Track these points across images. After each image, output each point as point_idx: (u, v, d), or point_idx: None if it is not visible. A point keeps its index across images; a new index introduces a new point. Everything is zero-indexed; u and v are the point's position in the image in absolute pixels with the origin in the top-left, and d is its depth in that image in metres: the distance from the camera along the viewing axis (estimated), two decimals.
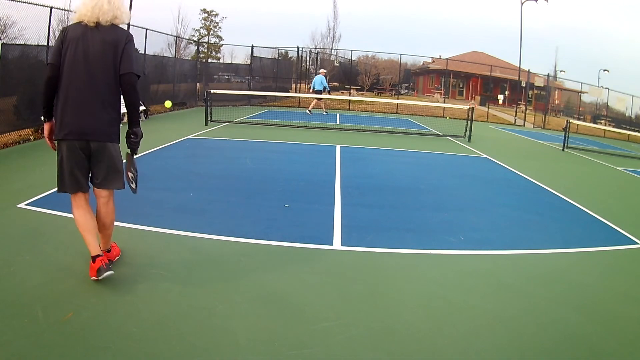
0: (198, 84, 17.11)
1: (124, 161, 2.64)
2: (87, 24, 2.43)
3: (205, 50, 27.33)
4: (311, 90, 15.94)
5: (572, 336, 2.40)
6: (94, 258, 2.52)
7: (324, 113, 15.71)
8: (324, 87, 15.59)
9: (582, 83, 22.10)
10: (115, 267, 2.81)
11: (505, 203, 5.25)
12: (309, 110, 15.53)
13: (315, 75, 15.68)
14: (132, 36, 2.53)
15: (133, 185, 2.74)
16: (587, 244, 3.98)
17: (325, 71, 16.86)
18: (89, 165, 2.53)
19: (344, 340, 2.20)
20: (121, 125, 2.58)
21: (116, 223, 3.51)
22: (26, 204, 3.90)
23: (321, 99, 15.50)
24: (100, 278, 2.48)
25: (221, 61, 27.36)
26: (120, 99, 2.50)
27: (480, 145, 10.16)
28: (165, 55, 15.06)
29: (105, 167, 2.53)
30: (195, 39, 28.75)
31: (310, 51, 25.88)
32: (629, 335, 2.46)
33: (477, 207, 4.94)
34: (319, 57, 26.66)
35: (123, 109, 2.58)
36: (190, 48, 23.35)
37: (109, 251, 2.79)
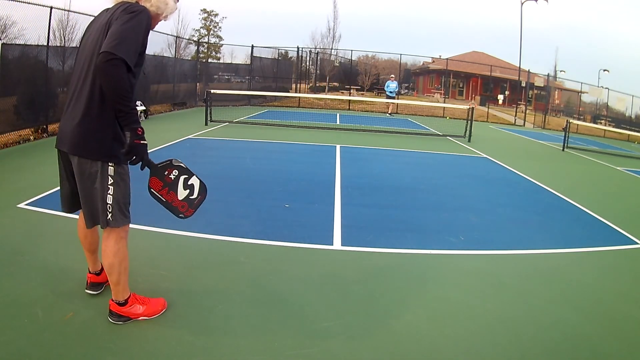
0: (198, 84, 17.12)
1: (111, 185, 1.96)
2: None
3: (205, 50, 27.33)
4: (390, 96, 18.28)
5: (572, 336, 2.40)
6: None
7: (388, 115, 17.57)
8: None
9: (582, 83, 22.13)
10: None
11: (505, 203, 5.25)
12: (390, 114, 17.99)
13: (388, 81, 18.63)
14: (135, 7, 1.87)
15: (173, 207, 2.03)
16: (587, 244, 3.98)
17: (394, 76, 19.32)
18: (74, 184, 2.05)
19: (344, 340, 2.20)
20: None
21: None
22: (26, 204, 3.90)
23: (394, 103, 17.87)
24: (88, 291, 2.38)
25: (221, 61, 27.38)
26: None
27: (480, 145, 10.16)
28: (165, 55, 15.06)
29: (81, 192, 2.01)
30: (195, 39, 28.75)
31: (310, 51, 25.90)
32: (629, 335, 2.46)
33: (477, 207, 4.93)
34: (319, 57, 26.67)
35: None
36: (190, 48, 23.34)
37: (120, 304, 2.17)
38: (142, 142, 1.85)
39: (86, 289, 2.40)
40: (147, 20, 1.89)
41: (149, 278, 2.69)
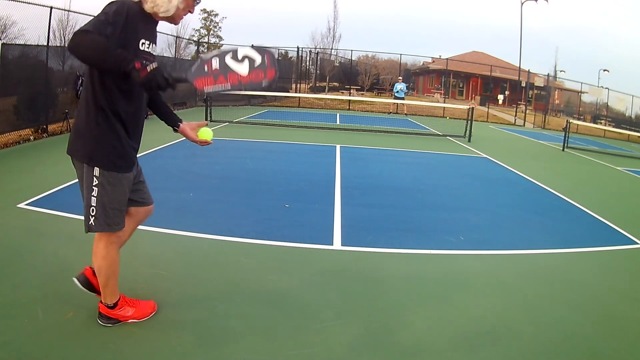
0: None
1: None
2: None
3: (205, 51, 27.31)
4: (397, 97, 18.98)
5: (572, 336, 2.40)
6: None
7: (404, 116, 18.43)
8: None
9: (582, 83, 22.16)
10: None
11: (505, 203, 5.25)
12: (406, 113, 18.68)
13: (396, 83, 19.51)
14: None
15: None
16: (587, 244, 3.98)
17: (401, 78, 20.30)
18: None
19: (344, 340, 2.20)
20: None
21: None
22: (26, 204, 3.90)
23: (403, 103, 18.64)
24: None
25: None
26: (105, 106, 1.85)
27: (480, 145, 10.16)
28: (165, 55, 15.07)
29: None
30: (195, 39, 28.77)
31: (310, 51, 25.88)
32: (629, 335, 2.46)
33: (477, 207, 4.93)
34: (319, 57, 26.65)
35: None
36: (190, 48, 23.40)
37: (109, 307, 2.15)
38: (148, 71, 1.64)
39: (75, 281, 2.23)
40: (120, 7, 1.76)
41: (149, 278, 2.69)
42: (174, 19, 1.98)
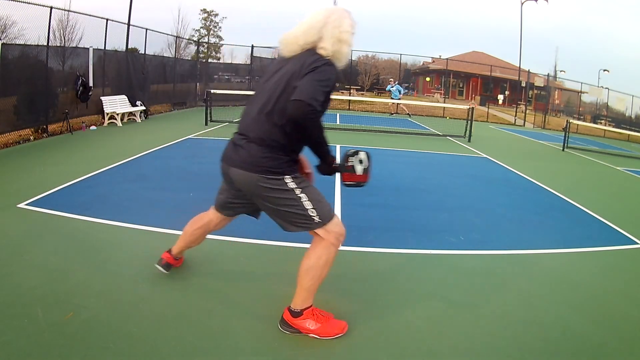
0: (198, 84, 17.13)
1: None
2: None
3: (205, 50, 27.31)
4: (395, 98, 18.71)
5: (572, 336, 2.40)
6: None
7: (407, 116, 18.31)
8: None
9: (582, 83, 22.14)
10: (114, 266, 2.81)
11: (505, 203, 5.25)
12: (409, 114, 18.49)
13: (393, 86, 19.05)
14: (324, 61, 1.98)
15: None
16: (587, 244, 3.98)
17: (392, 80, 20.18)
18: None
19: (344, 340, 2.20)
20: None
21: (117, 223, 3.55)
22: (26, 204, 3.90)
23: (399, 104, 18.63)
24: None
25: (221, 61, 27.33)
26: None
27: (480, 145, 10.16)
28: (165, 55, 15.07)
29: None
30: (195, 39, 28.75)
31: None
32: (629, 335, 2.46)
33: (477, 207, 4.93)
34: None
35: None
36: (190, 48, 23.32)
37: (294, 314, 2.17)
38: (334, 167, 2.25)
39: (159, 264, 2.68)
40: (333, 74, 2.00)
41: (149, 278, 2.69)
42: None
